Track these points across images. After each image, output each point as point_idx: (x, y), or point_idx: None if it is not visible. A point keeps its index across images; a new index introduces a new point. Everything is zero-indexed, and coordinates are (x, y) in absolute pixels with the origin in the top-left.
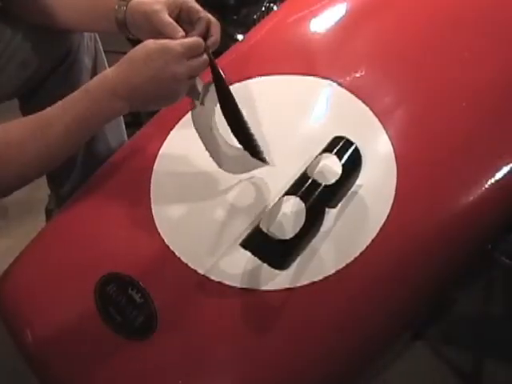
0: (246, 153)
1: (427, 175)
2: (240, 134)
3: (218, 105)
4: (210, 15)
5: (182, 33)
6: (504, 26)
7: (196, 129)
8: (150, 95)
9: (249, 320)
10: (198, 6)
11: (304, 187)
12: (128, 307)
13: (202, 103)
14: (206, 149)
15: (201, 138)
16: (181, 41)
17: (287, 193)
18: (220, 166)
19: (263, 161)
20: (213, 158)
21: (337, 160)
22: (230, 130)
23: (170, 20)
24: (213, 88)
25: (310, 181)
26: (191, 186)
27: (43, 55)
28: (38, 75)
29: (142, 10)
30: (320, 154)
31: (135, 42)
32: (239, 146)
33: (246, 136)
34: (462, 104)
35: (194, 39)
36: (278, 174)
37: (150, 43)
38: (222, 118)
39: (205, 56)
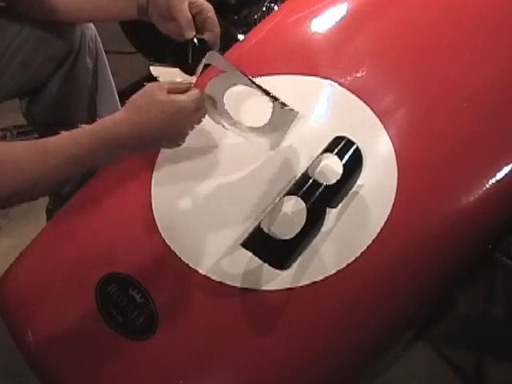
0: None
1: (428, 175)
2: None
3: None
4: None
5: (192, 32)
6: (505, 27)
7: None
8: (156, 145)
9: (249, 320)
10: (214, 19)
11: (305, 187)
12: (129, 307)
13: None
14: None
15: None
16: (189, 98)
17: (288, 193)
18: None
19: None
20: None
21: (338, 160)
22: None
23: (187, 12)
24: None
25: (310, 181)
26: (192, 187)
27: (44, 55)
28: (39, 75)
29: None
30: (321, 153)
31: (136, 43)
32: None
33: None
34: (463, 104)
35: (197, 93)
36: (279, 174)
37: (157, 92)
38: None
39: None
